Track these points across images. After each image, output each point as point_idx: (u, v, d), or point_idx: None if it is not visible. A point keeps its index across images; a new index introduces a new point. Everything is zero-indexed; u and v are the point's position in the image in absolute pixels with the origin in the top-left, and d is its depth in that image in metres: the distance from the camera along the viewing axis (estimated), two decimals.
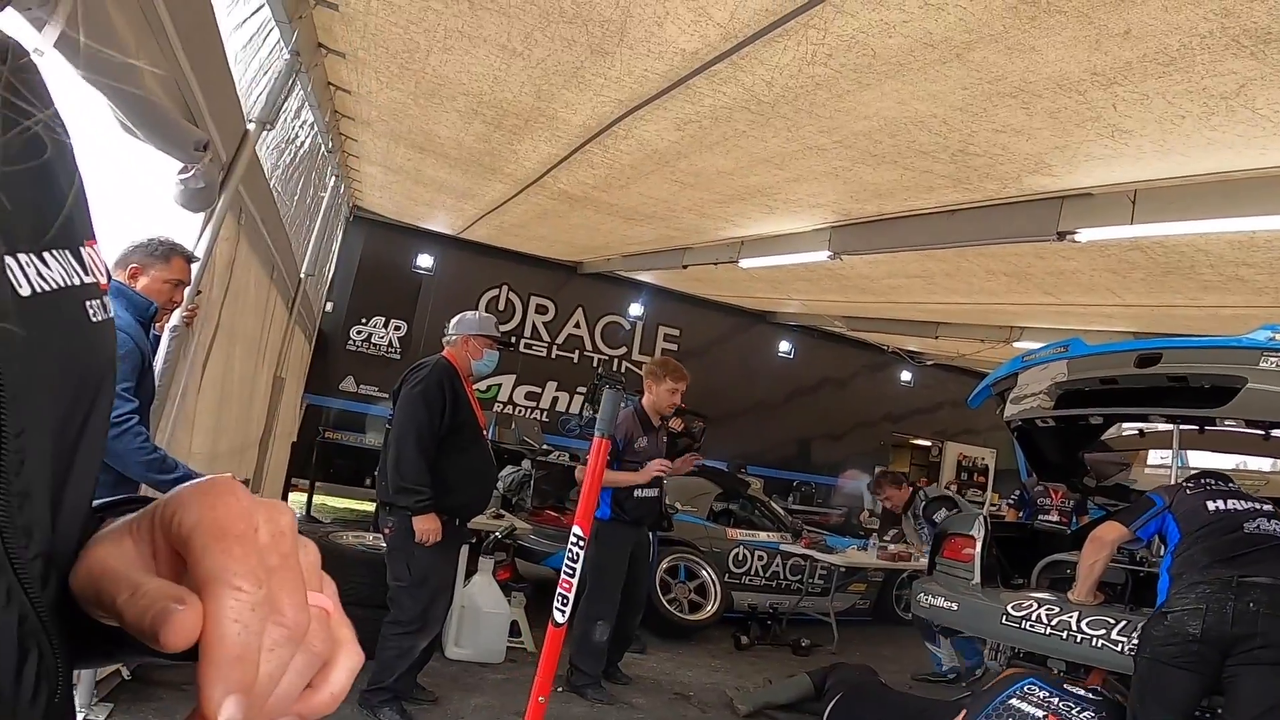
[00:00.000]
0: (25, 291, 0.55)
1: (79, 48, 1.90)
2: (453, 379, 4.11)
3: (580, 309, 11.50)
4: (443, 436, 4.02)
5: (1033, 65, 3.04)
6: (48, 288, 0.58)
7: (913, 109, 3.65)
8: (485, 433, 4.31)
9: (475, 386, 4.31)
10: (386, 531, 4.10)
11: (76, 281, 0.62)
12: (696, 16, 3.12)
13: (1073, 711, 3.49)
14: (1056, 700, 3.60)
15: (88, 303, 0.64)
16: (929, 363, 13.41)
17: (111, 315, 0.69)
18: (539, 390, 11.23)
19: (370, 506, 9.58)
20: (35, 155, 0.62)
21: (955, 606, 4.63)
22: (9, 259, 0.55)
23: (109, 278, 0.72)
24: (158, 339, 3.25)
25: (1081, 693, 3.65)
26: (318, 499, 9.68)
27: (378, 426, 10.22)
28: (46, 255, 0.60)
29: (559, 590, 2.99)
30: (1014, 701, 3.64)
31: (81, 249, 0.65)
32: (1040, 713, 3.56)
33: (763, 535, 7.66)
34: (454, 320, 4.37)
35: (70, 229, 0.65)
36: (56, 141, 0.70)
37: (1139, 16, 2.57)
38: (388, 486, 4.14)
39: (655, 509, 5.25)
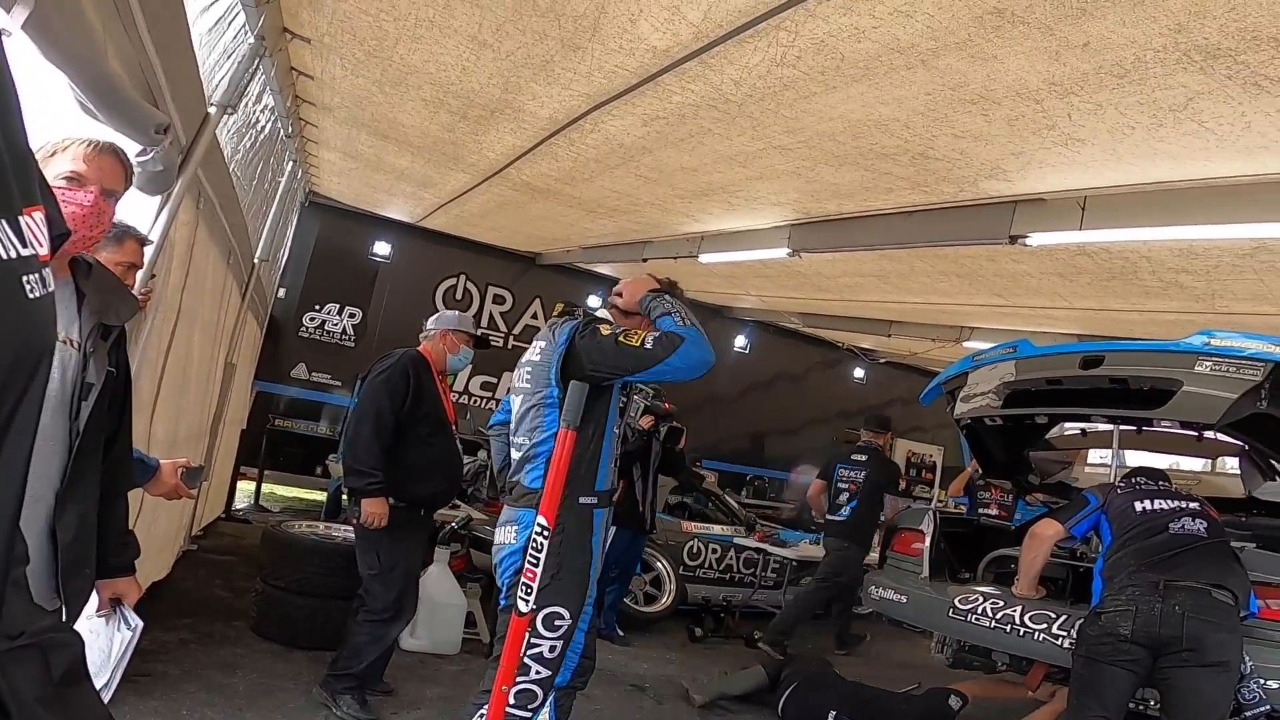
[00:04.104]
0: None
1: (48, 29, 1.87)
2: (420, 370, 4.12)
3: (538, 300, 11.46)
4: (405, 426, 4.02)
5: (994, 73, 3.13)
6: None
7: (877, 112, 3.73)
8: (455, 426, 4.30)
9: None
10: (355, 521, 4.08)
11: (13, 254, 0.57)
12: (670, 15, 3.15)
13: None
14: None
15: (25, 278, 0.59)
16: (882, 360, 13.64)
17: (51, 289, 0.63)
18: (495, 380, 11.17)
19: (320, 496, 9.49)
20: None
21: (904, 600, 4.73)
22: None
23: (52, 248, 0.67)
24: None
25: None
26: (266, 487, 9.54)
27: (331, 414, 10.09)
28: None
29: (523, 580, 2.99)
30: None
31: (21, 218, 0.60)
32: None
33: (717, 529, 7.72)
34: (433, 318, 4.43)
35: (9, 195, 0.60)
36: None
37: (1099, 30, 2.67)
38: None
39: None
